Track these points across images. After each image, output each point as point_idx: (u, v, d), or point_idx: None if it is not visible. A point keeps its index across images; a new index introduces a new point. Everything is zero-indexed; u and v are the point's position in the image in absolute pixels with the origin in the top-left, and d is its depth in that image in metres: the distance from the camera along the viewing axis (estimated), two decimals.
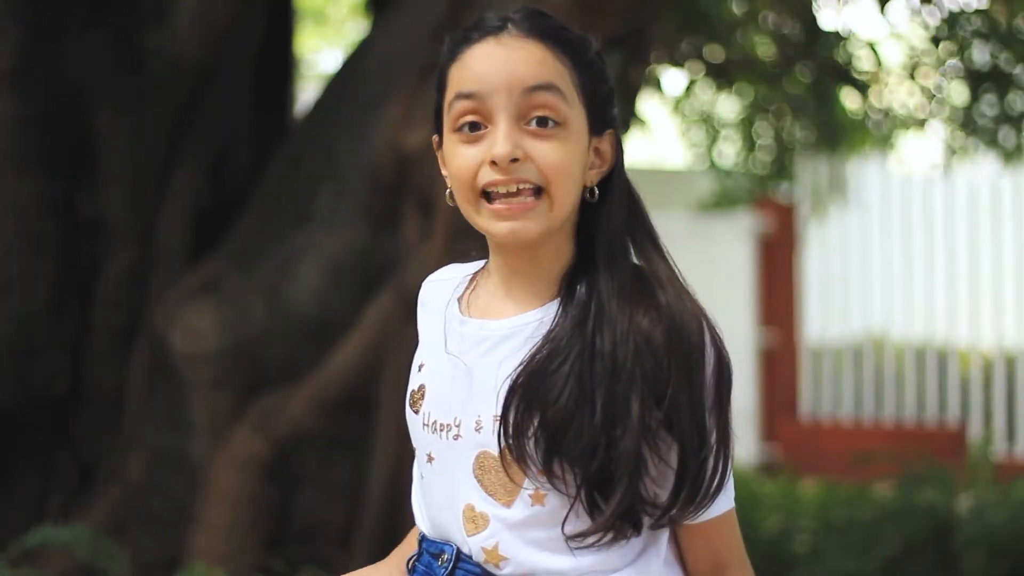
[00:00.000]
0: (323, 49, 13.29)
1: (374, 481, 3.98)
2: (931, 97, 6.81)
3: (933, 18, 5.90)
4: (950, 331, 8.68)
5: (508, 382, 1.49)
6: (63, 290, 4.39)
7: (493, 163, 1.49)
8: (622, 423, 1.45)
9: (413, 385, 1.64)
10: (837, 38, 6.22)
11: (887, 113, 7.37)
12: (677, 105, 8.66)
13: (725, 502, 1.54)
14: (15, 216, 4.29)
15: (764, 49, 6.81)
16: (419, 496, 1.64)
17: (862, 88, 6.55)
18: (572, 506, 1.48)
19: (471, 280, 1.64)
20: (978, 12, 5.79)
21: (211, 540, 4.06)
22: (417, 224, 3.93)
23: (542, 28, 1.53)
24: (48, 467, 4.40)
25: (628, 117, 4.31)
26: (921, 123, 7.35)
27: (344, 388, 4.02)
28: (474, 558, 1.55)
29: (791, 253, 9.02)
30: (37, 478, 4.38)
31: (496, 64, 1.51)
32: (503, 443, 1.49)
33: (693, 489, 1.49)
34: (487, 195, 1.51)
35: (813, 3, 6.20)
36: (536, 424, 1.47)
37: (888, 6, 5.19)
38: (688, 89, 7.68)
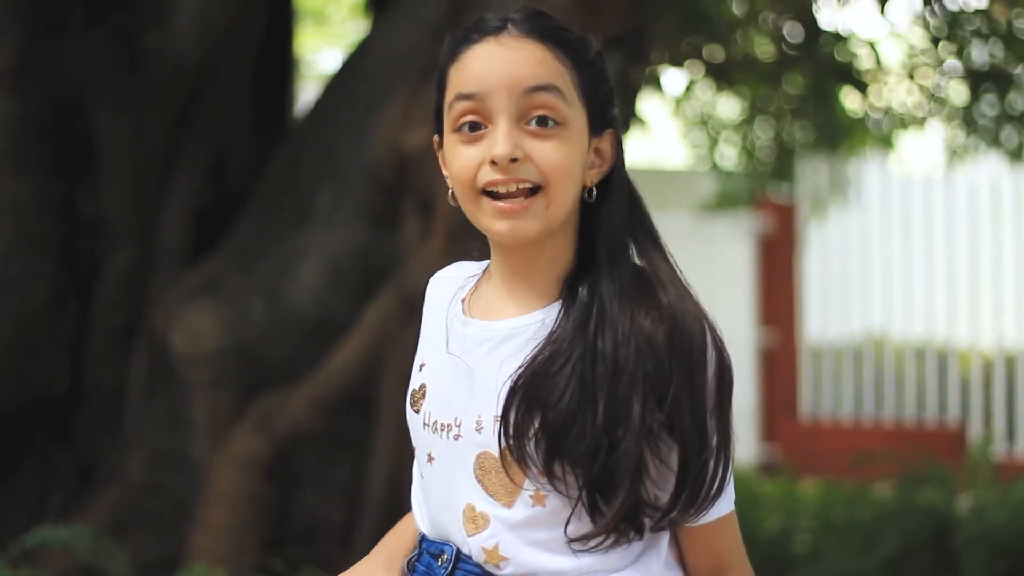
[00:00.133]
0: (323, 49, 13.29)
1: (374, 481, 3.98)
2: (931, 97, 6.81)
3: (934, 18, 5.90)
4: (950, 331, 8.68)
5: (509, 383, 1.49)
6: (63, 290, 4.39)
7: (493, 163, 1.49)
8: (624, 425, 1.45)
9: (414, 384, 1.64)
10: (837, 38, 6.23)
11: (887, 112, 7.37)
12: (678, 106, 8.67)
13: (726, 504, 1.54)
14: (15, 216, 4.29)
15: (764, 49, 6.81)
16: (419, 496, 1.64)
17: (862, 88, 6.55)
18: (574, 508, 1.48)
19: (474, 281, 1.64)
20: (978, 12, 5.79)
21: (211, 540, 4.06)
22: (417, 224, 3.93)
23: (542, 28, 1.53)
24: (48, 467, 4.40)
25: (628, 117, 4.31)
26: (921, 122, 7.35)
27: (344, 388, 4.02)
28: (474, 558, 1.55)
29: (791, 253, 9.02)
30: (37, 478, 4.38)
31: (496, 65, 1.51)
32: (503, 443, 1.49)
33: (694, 491, 1.48)
34: (489, 194, 1.51)
35: (813, 3, 6.20)
36: (537, 425, 1.47)
37: (888, 6, 5.19)
38: (688, 89, 7.69)
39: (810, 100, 7.03)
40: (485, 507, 1.53)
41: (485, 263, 1.65)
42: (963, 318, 8.73)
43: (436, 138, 1.60)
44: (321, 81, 6.99)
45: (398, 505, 3.89)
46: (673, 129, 10.58)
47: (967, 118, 6.75)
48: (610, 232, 1.54)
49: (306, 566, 3.53)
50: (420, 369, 1.64)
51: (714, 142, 9.55)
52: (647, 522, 1.51)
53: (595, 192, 1.55)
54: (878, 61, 6.48)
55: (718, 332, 1.51)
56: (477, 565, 1.55)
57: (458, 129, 1.53)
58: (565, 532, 1.49)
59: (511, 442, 1.48)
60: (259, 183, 4.51)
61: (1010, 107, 6.23)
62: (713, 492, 1.50)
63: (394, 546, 1.71)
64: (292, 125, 5.07)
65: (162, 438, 4.27)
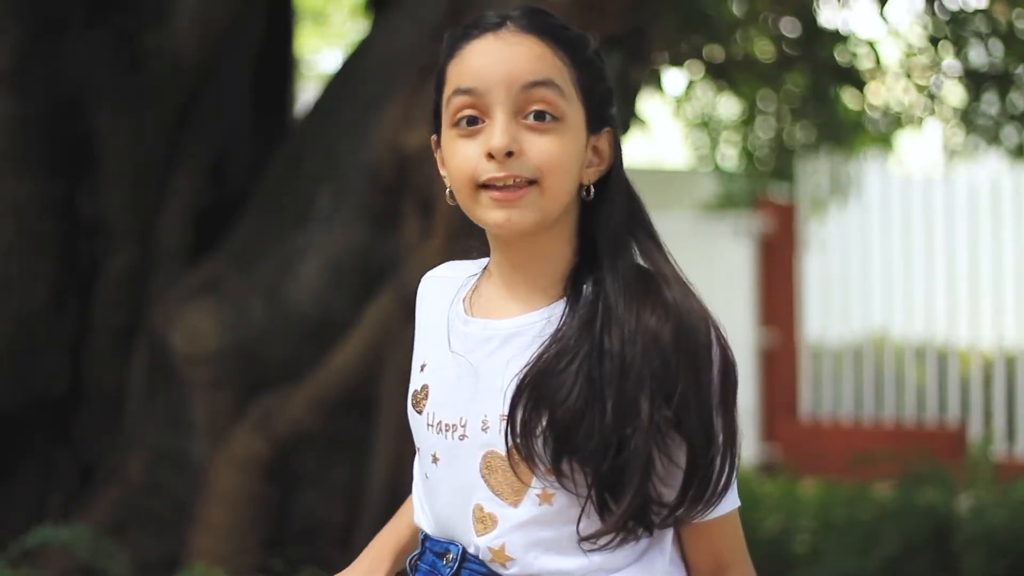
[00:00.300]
0: (323, 49, 13.29)
1: (374, 481, 3.98)
2: (930, 96, 6.81)
3: (934, 18, 5.90)
4: (950, 331, 8.68)
5: (516, 381, 1.49)
6: (63, 290, 4.39)
7: (490, 156, 1.49)
8: (632, 422, 1.45)
9: (415, 385, 1.63)
10: (837, 38, 6.23)
11: (885, 111, 7.37)
12: (678, 107, 8.67)
13: (731, 501, 1.54)
14: (15, 216, 4.29)
15: (764, 49, 6.81)
16: (422, 495, 1.63)
17: (861, 87, 6.55)
18: (584, 507, 1.48)
19: (474, 280, 1.64)
20: (977, 12, 5.79)
21: (211, 540, 4.06)
22: (417, 224, 3.93)
23: (541, 25, 1.53)
24: (48, 467, 4.40)
25: (628, 117, 4.31)
26: (919, 121, 7.35)
27: (344, 388, 4.02)
28: (480, 558, 1.54)
29: (791, 253, 9.02)
30: (37, 478, 4.38)
31: (494, 60, 1.51)
32: (510, 442, 1.49)
33: (701, 488, 1.49)
34: (486, 188, 1.51)
35: (813, 3, 6.20)
36: (545, 423, 1.47)
37: (887, 6, 5.19)
38: (688, 89, 7.69)
39: (810, 100, 7.03)
40: (492, 507, 1.53)
41: (483, 262, 1.64)
42: (963, 318, 8.73)
43: (434, 138, 1.60)
44: (321, 81, 6.99)
45: (398, 505, 3.88)
46: (674, 129, 10.58)
47: (965, 118, 6.76)
48: (612, 231, 1.54)
49: (306, 566, 3.54)
50: (421, 369, 1.63)
51: (715, 142, 9.56)
52: (654, 519, 1.51)
53: (592, 191, 1.55)
54: (878, 61, 6.48)
55: (722, 330, 1.52)
56: (483, 564, 1.54)
57: (456, 124, 1.52)
58: (577, 530, 1.49)
59: (518, 440, 1.48)
60: (259, 183, 4.51)
61: (1011, 106, 6.24)
62: (720, 489, 1.50)
63: (386, 546, 1.71)
64: (292, 125, 5.07)
65: (162, 438, 4.27)
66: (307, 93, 7.18)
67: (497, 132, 1.49)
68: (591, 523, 1.49)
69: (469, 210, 1.54)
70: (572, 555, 1.51)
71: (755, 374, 8.84)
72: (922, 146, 9.69)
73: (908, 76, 6.73)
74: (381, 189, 4.04)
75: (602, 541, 1.49)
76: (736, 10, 6.36)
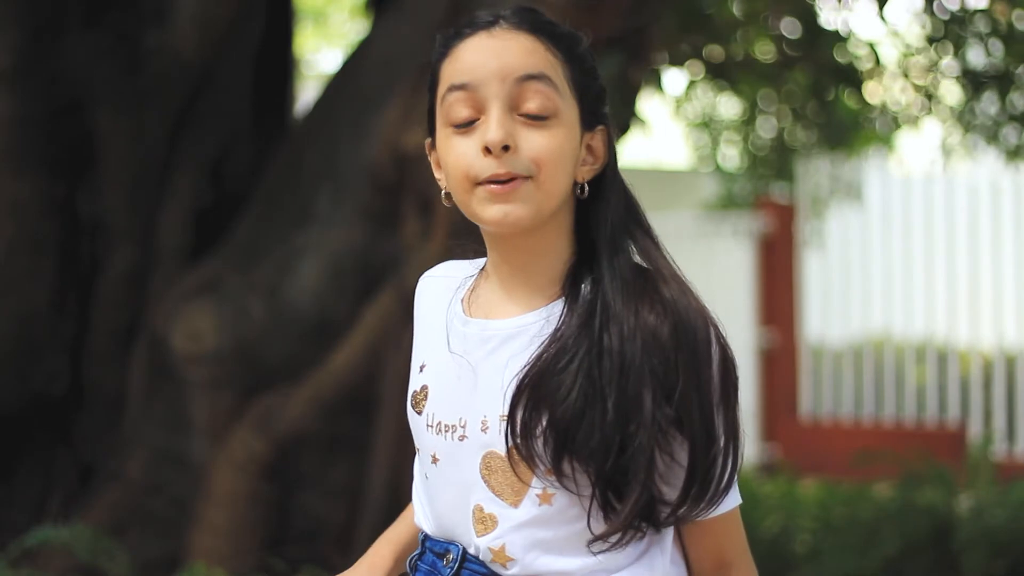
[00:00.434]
0: (323, 49, 13.30)
1: (374, 481, 3.98)
2: (929, 96, 6.81)
3: (934, 18, 5.89)
4: (950, 331, 8.68)
5: (516, 381, 1.49)
6: (63, 290, 4.39)
7: (486, 150, 1.49)
8: (635, 420, 1.45)
9: (415, 386, 1.63)
10: (837, 38, 6.22)
11: (884, 111, 7.37)
12: (679, 107, 8.66)
13: (733, 499, 1.54)
14: (15, 216, 4.29)
15: (764, 49, 6.81)
16: (422, 496, 1.63)
17: (859, 86, 6.55)
18: (590, 507, 1.48)
19: (472, 281, 1.64)
20: (977, 12, 5.79)
21: (211, 540, 4.06)
22: (417, 224, 3.93)
23: (533, 22, 1.54)
24: (48, 467, 4.40)
25: (629, 117, 4.31)
26: (916, 121, 7.35)
27: (344, 388, 4.02)
28: (480, 558, 1.54)
29: (791, 253, 9.02)
30: (37, 478, 4.38)
31: (488, 55, 1.51)
32: (510, 443, 1.49)
33: (703, 486, 1.49)
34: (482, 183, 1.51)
35: (813, 3, 6.20)
36: (545, 423, 1.47)
37: (887, 6, 5.18)
38: (688, 89, 7.68)
39: (810, 100, 7.03)
40: (493, 507, 1.53)
41: (480, 262, 1.64)
42: (963, 318, 8.73)
43: (428, 141, 1.60)
44: (321, 81, 6.99)
45: (398, 505, 3.88)
46: (674, 129, 10.58)
47: (963, 118, 6.75)
48: (609, 229, 1.54)
49: (306, 566, 3.54)
50: (420, 370, 1.63)
51: (715, 142, 9.56)
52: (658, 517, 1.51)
53: (587, 189, 1.55)
54: (878, 61, 6.48)
55: (720, 327, 1.52)
56: (483, 565, 1.54)
57: (452, 122, 1.52)
58: (589, 529, 1.49)
59: (518, 441, 1.48)
60: (259, 183, 4.51)
61: (1011, 106, 6.23)
62: (722, 487, 1.50)
63: (388, 552, 1.71)
64: (292, 125, 5.07)
65: (162, 438, 4.27)
66: (307, 93, 7.17)
67: (493, 126, 1.49)
68: (596, 523, 1.49)
69: (466, 207, 1.54)
70: (572, 555, 1.51)
71: (755, 374, 8.84)
72: (922, 146, 9.69)
73: (906, 76, 6.72)
74: (381, 189, 4.04)
75: (612, 540, 1.49)
76: (736, 10, 6.36)
